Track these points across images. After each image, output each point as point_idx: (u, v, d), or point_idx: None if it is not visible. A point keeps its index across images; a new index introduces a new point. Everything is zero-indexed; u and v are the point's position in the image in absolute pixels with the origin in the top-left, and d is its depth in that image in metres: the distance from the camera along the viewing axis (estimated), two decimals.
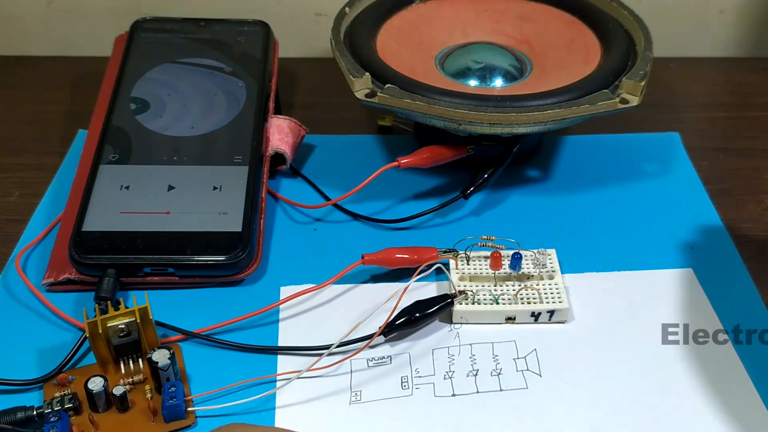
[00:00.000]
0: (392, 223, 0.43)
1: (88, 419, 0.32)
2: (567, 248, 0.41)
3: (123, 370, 0.34)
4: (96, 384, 0.32)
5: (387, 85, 0.41)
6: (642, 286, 0.39)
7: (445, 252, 0.39)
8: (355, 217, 0.44)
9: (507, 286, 0.38)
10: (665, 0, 0.60)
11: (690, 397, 0.34)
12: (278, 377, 0.35)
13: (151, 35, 0.50)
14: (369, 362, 0.36)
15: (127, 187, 0.40)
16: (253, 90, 0.46)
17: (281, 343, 0.37)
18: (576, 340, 0.37)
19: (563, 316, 0.37)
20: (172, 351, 0.33)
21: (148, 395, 0.33)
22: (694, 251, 0.41)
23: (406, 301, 0.37)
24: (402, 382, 0.35)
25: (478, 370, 0.35)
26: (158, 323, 0.36)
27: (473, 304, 0.37)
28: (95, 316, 0.33)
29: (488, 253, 0.39)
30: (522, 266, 0.39)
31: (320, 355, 0.35)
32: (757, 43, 0.63)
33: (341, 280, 0.39)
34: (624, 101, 0.41)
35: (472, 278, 0.39)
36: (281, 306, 0.38)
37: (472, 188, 0.42)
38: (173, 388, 0.32)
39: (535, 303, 0.37)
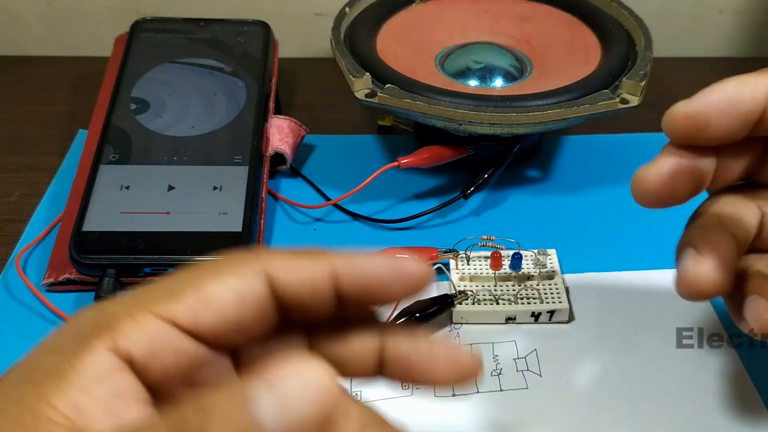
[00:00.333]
0: (392, 223, 0.43)
1: None
2: (567, 248, 0.41)
3: None
4: None
5: (387, 85, 0.41)
6: (642, 286, 0.39)
7: (445, 252, 0.39)
8: (355, 217, 0.44)
9: (507, 286, 0.38)
10: (665, 0, 0.60)
11: (691, 398, 0.34)
12: None
13: (151, 35, 0.50)
14: None
15: (127, 187, 0.40)
16: (253, 90, 0.46)
17: None
18: (576, 340, 0.37)
19: (563, 316, 0.37)
20: None
21: None
22: None
23: (406, 301, 0.37)
24: (402, 382, 0.35)
25: None
26: None
27: (473, 304, 0.37)
28: None
29: (488, 253, 0.39)
30: (522, 266, 0.39)
31: None
32: (757, 43, 0.63)
33: None
34: (624, 101, 0.41)
35: (472, 278, 0.39)
36: None
37: (472, 188, 0.42)
38: None
39: (535, 303, 0.37)
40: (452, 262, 0.39)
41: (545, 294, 0.38)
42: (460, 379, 0.23)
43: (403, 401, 0.34)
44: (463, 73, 0.46)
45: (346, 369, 0.23)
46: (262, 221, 0.41)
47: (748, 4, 0.61)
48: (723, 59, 0.63)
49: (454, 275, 0.38)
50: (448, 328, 0.37)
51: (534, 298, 0.37)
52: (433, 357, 0.23)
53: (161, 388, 0.20)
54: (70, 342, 0.20)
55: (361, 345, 0.23)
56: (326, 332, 0.23)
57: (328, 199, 0.45)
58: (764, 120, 0.25)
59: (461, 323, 0.37)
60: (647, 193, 0.27)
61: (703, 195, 0.30)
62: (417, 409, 0.34)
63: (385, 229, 0.43)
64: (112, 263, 0.37)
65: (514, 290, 0.38)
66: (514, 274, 0.39)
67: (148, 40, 0.49)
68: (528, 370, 0.35)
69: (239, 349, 0.22)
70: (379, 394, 0.34)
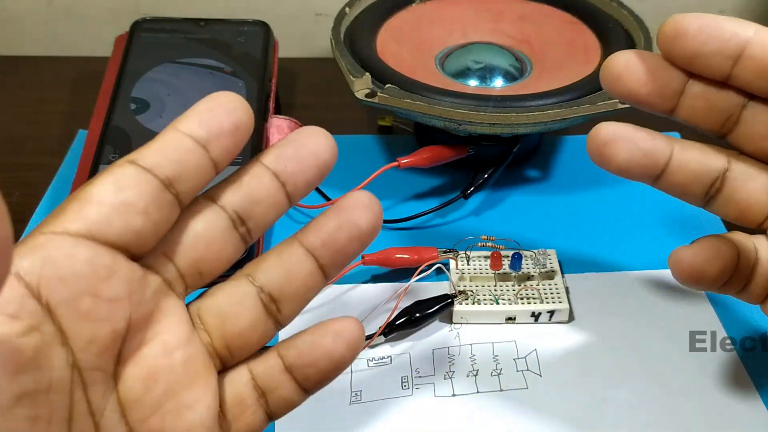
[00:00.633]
0: (392, 223, 0.43)
1: None
2: (567, 248, 0.41)
3: None
4: None
5: (387, 85, 0.41)
6: (642, 286, 0.39)
7: (445, 252, 0.39)
8: None
9: (507, 286, 0.38)
10: (665, 0, 0.60)
11: (691, 398, 0.34)
12: None
13: (151, 35, 0.50)
14: (369, 362, 0.36)
15: None
16: (253, 90, 0.46)
17: None
18: (576, 340, 0.37)
19: (563, 316, 0.37)
20: None
21: None
22: None
23: (406, 301, 0.37)
24: (402, 382, 0.35)
25: (478, 370, 0.35)
26: None
27: (473, 304, 0.37)
28: None
29: (488, 253, 0.39)
30: (522, 266, 0.39)
31: None
32: None
33: (341, 280, 0.39)
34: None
35: (472, 278, 0.39)
36: None
37: (472, 188, 0.42)
38: None
39: (535, 303, 0.37)
40: (452, 262, 0.39)
41: (545, 294, 0.38)
42: (352, 349, 0.24)
43: (403, 401, 0.34)
44: (463, 73, 0.46)
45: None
46: None
47: (748, 4, 0.61)
48: None
49: (454, 275, 0.38)
50: (448, 328, 0.37)
51: (534, 298, 0.37)
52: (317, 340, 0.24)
53: None
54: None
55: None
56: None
57: (328, 199, 0.45)
58: (743, 60, 0.25)
59: (461, 323, 0.37)
60: (684, 274, 0.27)
61: None
62: (417, 409, 0.34)
63: (385, 229, 0.43)
64: None
65: (514, 290, 0.38)
66: (514, 274, 0.39)
67: (148, 40, 0.49)
68: (528, 370, 0.35)
69: None
70: (379, 395, 0.34)
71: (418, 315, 0.36)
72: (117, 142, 0.43)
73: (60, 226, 0.20)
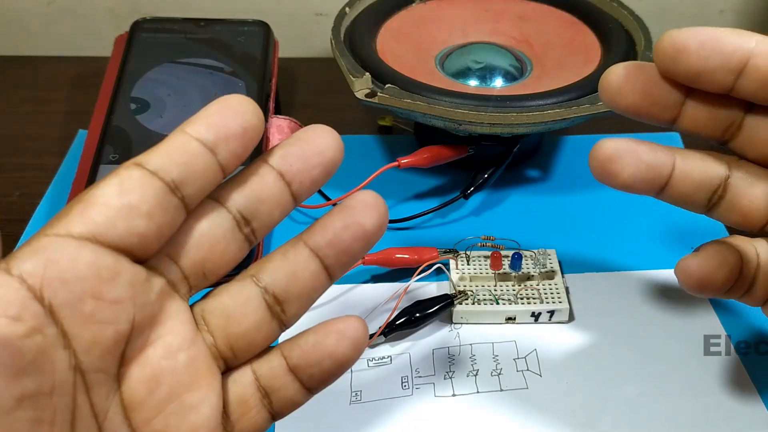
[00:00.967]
0: (392, 223, 0.43)
1: None
2: (567, 248, 0.41)
3: None
4: None
5: (387, 85, 0.41)
6: (642, 286, 0.39)
7: (445, 252, 0.39)
8: None
9: (507, 286, 0.38)
10: (665, 0, 0.60)
11: (691, 398, 0.34)
12: None
13: (151, 35, 0.50)
14: (369, 362, 0.36)
15: None
16: (253, 90, 0.46)
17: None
18: (576, 340, 0.37)
19: (563, 316, 0.37)
20: None
21: None
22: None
23: (406, 301, 0.37)
24: (402, 382, 0.35)
25: (478, 370, 0.35)
26: None
27: (473, 304, 0.37)
28: None
29: (488, 253, 0.39)
30: (522, 266, 0.39)
31: None
32: None
33: (341, 280, 0.38)
34: None
35: (472, 278, 0.39)
36: None
37: (472, 188, 0.42)
38: None
39: (535, 303, 0.37)
40: (452, 262, 0.39)
41: (545, 294, 0.38)
42: (356, 348, 0.24)
43: (403, 401, 0.34)
44: (463, 73, 0.46)
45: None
46: None
47: (748, 4, 0.61)
48: None
49: (454, 275, 0.38)
50: (448, 328, 0.37)
51: (534, 298, 0.37)
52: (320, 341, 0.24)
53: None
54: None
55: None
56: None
57: (328, 199, 0.45)
58: (747, 72, 0.24)
59: (461, 323, 0.37)
60: (692, 283, 0.27)
61: None
62: (417, 409, 0.34)
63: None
64: None
65: (514, 290, 0.38)
66: (514, 274, 0.39)
67: (148, 40, 0.49)
68: (528, 370, 0.35)
69: None
70: (379, 394, 0.34)
71: (418, 315, 0.36)
72: (117, 142, 0.43)
73: (63, 229, 0.20)
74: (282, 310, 0.24)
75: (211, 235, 0.23)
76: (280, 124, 0.46)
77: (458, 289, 0.38)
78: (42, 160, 0.48)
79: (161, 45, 0.49)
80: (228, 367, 0.24)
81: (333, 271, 0.24)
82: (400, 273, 0.39)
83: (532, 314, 0.37)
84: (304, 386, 0.24)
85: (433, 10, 0.50)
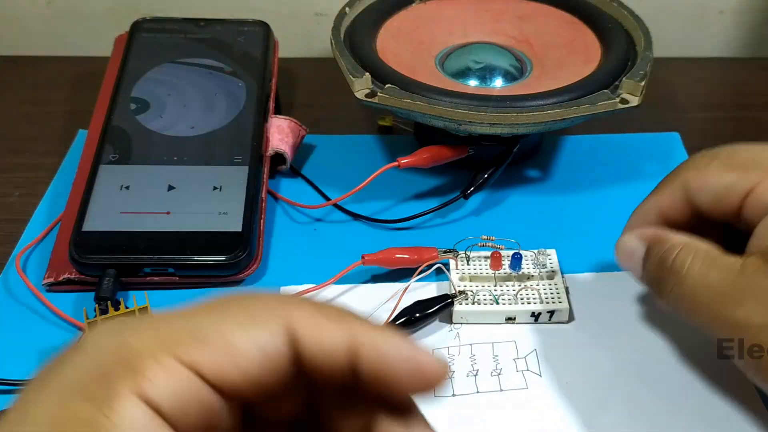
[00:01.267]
0: (392, 223, 0.43)
1: None
2: (567, 248, 0.41)
3: None
4: None
5: (387, 85, 0.41)
6: (642, 286, 0.39)
7: (445, 252, 0.39)
8: (355, 217, 0.44)
9: (507, 286, 0.38)
10: (665, 0, 0.60)
11: (691, 398, 0.34)
12: None
13: (151, 35, 0.50)
14: None
15: (127, 187, 0.40)
16: (253, 90, 0.46)
17: None
18: (576, 340, 0.37)
19: (563, 317, 0.37)
20: None
21: None
22: None
23: (406, 301, 0.37)
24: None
25: (478, 370, 0.35)
26: None
27: (473, 304, 0.37)
28: (95, 316, 0.33)
29: (488, 253, 0.39)
30: (522, 266, 0.39)
31: None
32: (757, 43, 0.63)
33: (341, 280, 0.39)
34: (624, 101, 0.41)
35: (472, 278, 0.39)
36: None
37: (472, 188, 0.42)
38: None
39: (535, 303, 0.37)
40: (452, 262, 0.39)
41: (545, 294, 0.38)
42: (426, 385, 0.21)
43: None
44: (463, 73, 0.46)
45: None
46: (262, 221, 0.41)
47: (748, 4, 0.61)
48: (723, 59, 0.63)
49: (454, 275, 0.38)
50: (448, 328, 0.37)
51: (534, 298, 0.37)
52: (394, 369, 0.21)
53: None
54: (95, 383, 0.19)
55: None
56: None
57: (328, 199, 0.45)
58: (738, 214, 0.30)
59: (461, 323, 0.37)
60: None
61: None
62: None
63: (385, 229, 0.43)
64: (112, 263, 0.37)
65: (514, 290, 0.38)
66: (514, 274, 0.39)
67: (148, 40, 0.49)
68: (528, 370, 0.35)
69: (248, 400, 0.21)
70: None
71: (418, 315, 0.36)
72: (117, 142, 0.43)
73: None
74: None
75: None
76: (280, 124, 0.46)
77: (458, 289, 0.38)
78: (42, 160, 0.48)
79: (161, 45, 0.49)
80: None
81: None
82: (400, 273, 0.39)
83: (532, 314, 0.37)
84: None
85: (433, 10, 0.50)
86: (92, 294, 0.37)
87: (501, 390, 0.34)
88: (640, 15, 0.47)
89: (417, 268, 0.37)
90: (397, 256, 0.39)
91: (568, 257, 0.40)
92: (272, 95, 0.47)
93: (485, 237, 0.39)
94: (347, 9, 0.48)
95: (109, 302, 0.35)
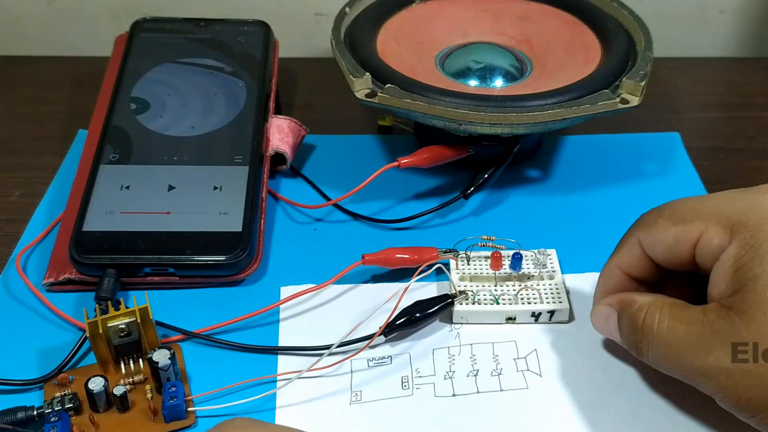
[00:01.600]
0: (392, 223, 0.43)
1: (89, 419, 0.32)
2: (567, 248, 0.41)
3: (123, 370, 0.34)
4: (96, 384, 0.32)
5: (387, 85, 0.41)
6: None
7: (445, 252, 0.39)
8: (355, 217, 0.44)
9: (507, 286, 0.38)
10: (665, 0, 0.60)
11: (691, 398, 0.34)
12: (278, 377, 0.35)
13: (151, 35, 0.50)
14: (369, 362, 0.36)
15: (127, 187, 0.40)
16: (253, 90, 0.46)
17: (281, 343, 0.37)
18: (576, 340, 0.37)
19: (563, 316, 0.37)
20: (172, 351, 0.33)
21: (149, 395, 0.33)
22: None
23: (406, 301, 0.37)
24: (402, 382, 0.35)
25: (478, 370, 0.35)
26: (158, 323, 0.36)
27: (473, 304, 0.37)
28: (95, 316, 0.33)
29: (488, 253, 0.39)
30: (522, 266, 0.39)
31: (320, 355, 0.35)
32: (757, 43, 0.63)
33: (341, 280, 0.39)
34: (624, 101, 0.41)
35: (472, 278, 0.39)
36: (281, 306, 0.38)
37: (472, 188, 0.42)
38: (173, 388, 0.32)
39: (535, 303, 0.37)
40: (452, 262, 0.39)
41: (545, 294, 0.38)
42: None
43: (403, 401, 0.34)
44: (463, 73, 0.46)
45: None
46: (262, 221, 0.41)
47: (748, 4, 0.61)
48: (723, 59, 0.63)
49: (454, 275, 0.38)
50: (448, 328, 0.37)
51: (534, 298, 0.37)
52: None
53: None
54: None
55: None
56: None
57: (328, 199, 0.45)
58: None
59: (461, 323, 0.37)
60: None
61: None
62: (417, 409, 0.34)
63: (385, 229, 0.43)
64: (112, 263, 0.37)
65: (514, 290, 0.38)
66: (514, 274, 0.39)
67: (148, 40, 0.49)
68: (528, 370, 0.35)
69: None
70: (379, 395, 0.34)
71: (418, 315, 0.36)
72: (117, 142, 0.43)
73: None
74: None
75: None
76: (280, 124, 0.46)
77: (458, 289, 0.38)
78: (42, 160, 0.48)
79: (161, 45, 0.49)
80: None
81: None
82: (400, 273, 0.39)
83: (533, 314, 0.37)
84: None
85: (433, 10, 0.50)
86: (92, 294, 0.37)
87: (501, 390, 0.34)
88: (640, 15, 0.47)
89: (417, 268, 0.37)
90: (398, 256, 0.39)
91: (568, 257, 0.40)
92: (272, 95, 0.47)
93: (485, 237, 0.39)
94: (347, 9, 0.48)
95: (109, 302, 0.35)
